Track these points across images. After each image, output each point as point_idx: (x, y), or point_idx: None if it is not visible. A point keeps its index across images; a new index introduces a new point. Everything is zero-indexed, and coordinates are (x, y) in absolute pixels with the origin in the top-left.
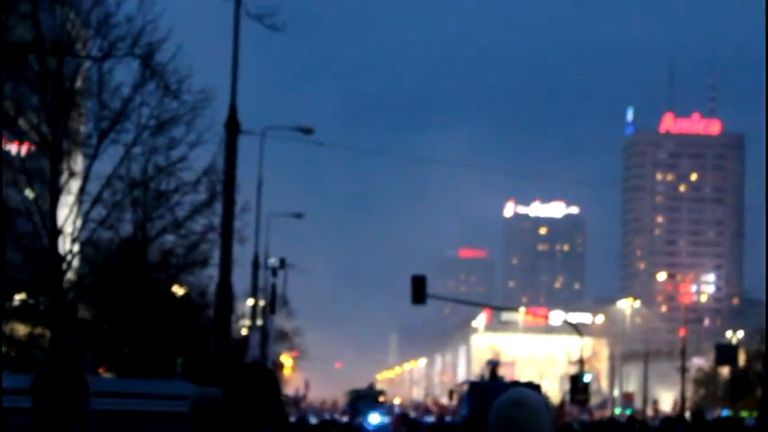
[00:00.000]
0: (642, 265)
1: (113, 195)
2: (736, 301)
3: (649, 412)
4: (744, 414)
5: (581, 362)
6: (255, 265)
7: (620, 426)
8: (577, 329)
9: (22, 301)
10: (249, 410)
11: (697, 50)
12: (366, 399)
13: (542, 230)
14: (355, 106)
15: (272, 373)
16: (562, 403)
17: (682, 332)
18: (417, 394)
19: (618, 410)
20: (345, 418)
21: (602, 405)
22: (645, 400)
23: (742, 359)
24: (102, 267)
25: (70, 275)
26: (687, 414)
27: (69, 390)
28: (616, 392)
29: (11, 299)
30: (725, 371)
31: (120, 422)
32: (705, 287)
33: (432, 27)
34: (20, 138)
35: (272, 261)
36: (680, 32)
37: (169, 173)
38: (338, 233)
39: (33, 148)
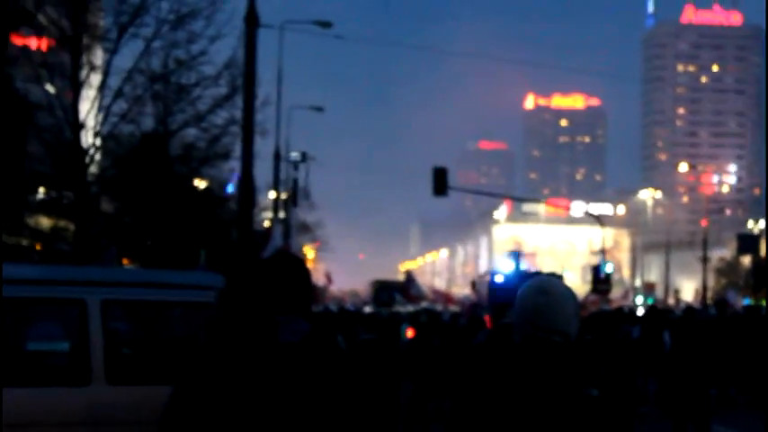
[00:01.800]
0: (664, 157)
1: (134, 89)
2: (757, 191)
3: (671, 301)
4: (765, 303)
5: (602, 252)
6: (277, 157)
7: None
8: (599, 220)
9: (47, 195)
10: (278, 298)
11: None
12: (391, 289)
13: (563, 122)
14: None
15: (302, 262)
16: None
17: (703, 222)
18: (439, 284)
19: (639, 299)
20: (369, 308)
21: (625, 295)
22: (666, 290)
23: (763, 248)
24: (123, 161)
25: (93, 169)
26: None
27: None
28: (638, 282)
29: (34, 192)
30: (746, 260)
31: (147, 312)
32: (726, 178)
33: None
34: (40, 33)
35: (294, 154)
36: None
37: (189, 67)
38: (358, 126)
39: (53, 42)
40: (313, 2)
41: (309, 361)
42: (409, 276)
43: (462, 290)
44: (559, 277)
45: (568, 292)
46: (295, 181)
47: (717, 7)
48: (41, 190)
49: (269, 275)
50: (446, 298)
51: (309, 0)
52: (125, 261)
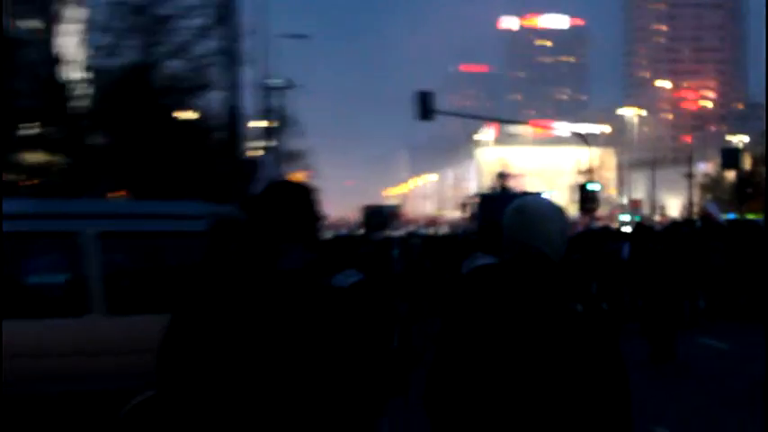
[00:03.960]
0: (646, 74)
1: (116, 22)
2: (740, 105)
3: (657, 218)
4: (749, 216)
5: (589, 171)
6: (264, 87)
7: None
8: (585, 140)
9: (40, 131)
10: (281, 226)
11: None
12: (380, 215)
13: (547, 43)
14: None
15: (309, 189)
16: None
17: (688, 139)
18: (430, 208)
19: (626, 217)
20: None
21: (610, 215)
22: (653, 207)
23: (747, 162)
24: (109, 94)
25: (85, 103)
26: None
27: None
28: (624, 200)
29: (24, 128)
30: (730, 175)
31: (142, 243)
32: (709, 93)
33: None
34: None
35: (279, 81)
36: None
37: None
38: (341, 54)
39: None
40: None
41: (308, 289)
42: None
43: (453, 212)
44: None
45: (548, 210)
46: (281, 109)
47: None
48: (29, 126)
49: (272, 203)
50: (433, 221)
51: None
52: (122, 192)
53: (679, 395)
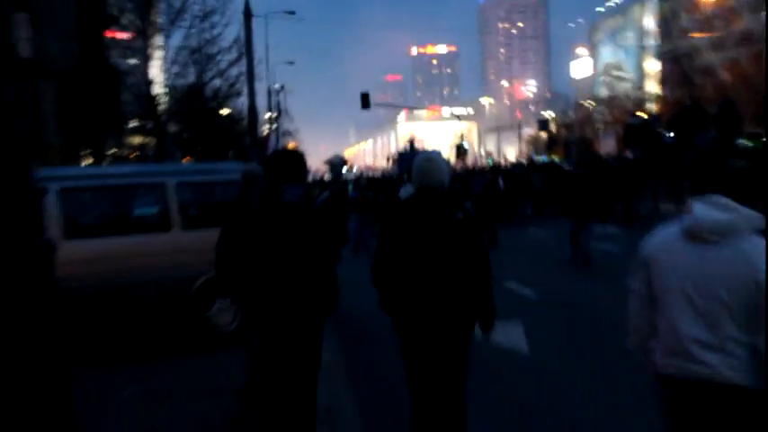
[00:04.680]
0: (493, 77)
1: (184, 56)
2: (548, 94)
3: (501, 161)
4: (555, 158)
5: (461, 136)
6: (269, 92)
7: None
8: (458, 118)
9: (139, 124)
10: (283, 174)
11: None
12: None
13: (434, 61)
14: None
15: (299, 153)
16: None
17: (519, 115)
18: (369, 161)
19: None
20: (327, 176)
21: (475, 162)
22: (499, 154)
23: (554, 127)
24: (179, 101)
25: (164, 107)
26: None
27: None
28: (482, 152)
29: (128, 123)
30: (544, 135)
31: (200, 187)
32: (531, 87)
33: None
34: (124, 29)
35: (276, 85)
36: None
37: (212, 42)
38: (315, 71)
39: (132, 35)
40: None
41: (302, 211)
42: (339, 160)
43: (382, 162)
44: (438, 153)
45: (443, 160)
46: (279, 104)
47: None
48: (132, 122)
49: (278, 161)
50: (368, 169)
51: None
52: (187, 158)
53: (518, 260)
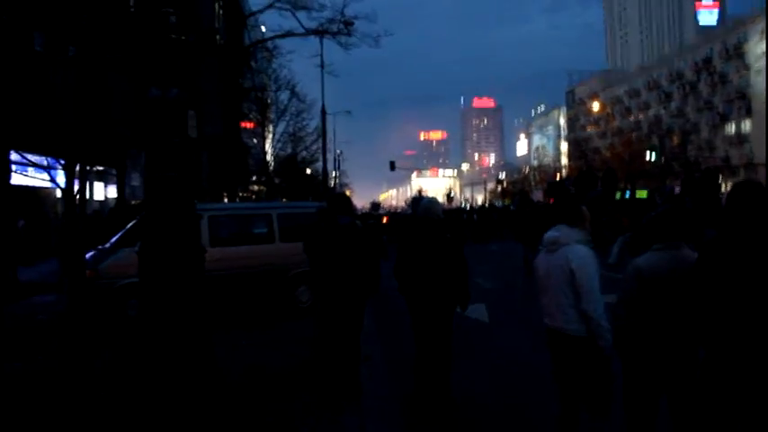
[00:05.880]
0: (471, 152)
1: (285, 137)
2: (502, 163)
3: (473, 204)
4: (506, 202)
5: (450, 188)
6: (335, 160)
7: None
8: (448, 177)
9: (257, 179)
10: (338, 209)
11: None
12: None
13: (433, 143)
14: None
15: (347, 196)
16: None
17: (484, 175)
18: (393, 203)
19: (467, 205)
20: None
21: (458, 204)
22: (472, 200)
23: (505, 183)
24: (282, 163)
25: (272, 167)
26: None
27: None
28: (462, 198)
29: (250, 179)
30: (500, 188)
31: (293, 216)
32: (491, 158)
33: None
34: (250, 121)
35: (338, 151)
36: None
37: (302, 129)
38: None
39: (255, 125)
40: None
41: (350, 230)
42: (376, 203)
43: (401, 203)
44: (435, 199)
45: (438, 202)
46: (339, 165)
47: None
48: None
49: (336, 201)
50: (393, 208)
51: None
52: (284, 199)
53: (484, 264)
